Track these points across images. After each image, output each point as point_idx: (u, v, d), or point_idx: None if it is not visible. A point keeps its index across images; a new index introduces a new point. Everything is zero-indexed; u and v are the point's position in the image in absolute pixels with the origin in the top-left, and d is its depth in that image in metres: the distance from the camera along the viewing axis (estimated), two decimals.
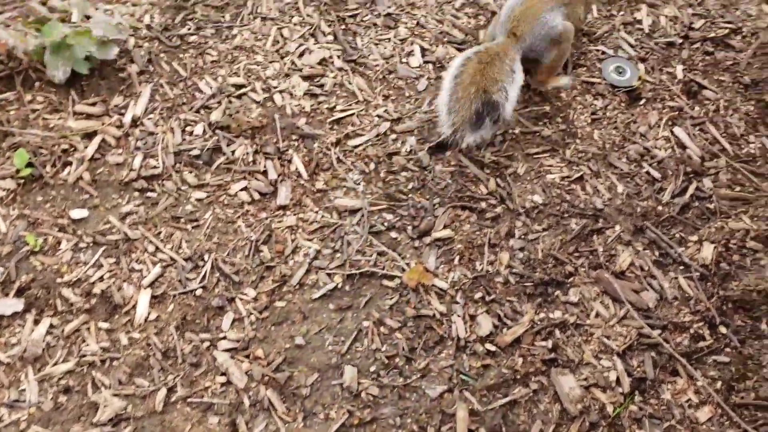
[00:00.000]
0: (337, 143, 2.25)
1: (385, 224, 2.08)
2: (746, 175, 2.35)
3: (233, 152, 2.19)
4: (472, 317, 1.94)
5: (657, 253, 2.13)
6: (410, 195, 2.17)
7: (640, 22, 2.78)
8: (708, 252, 2.13)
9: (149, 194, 2.11)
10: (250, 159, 2.19)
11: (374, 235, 2.05)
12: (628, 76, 2.57)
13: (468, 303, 1.97)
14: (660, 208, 2.24)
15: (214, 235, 2.04)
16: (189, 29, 2.49)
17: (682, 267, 2.10)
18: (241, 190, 2.12)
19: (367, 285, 1.98)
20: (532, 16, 2.29)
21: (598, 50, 2.65)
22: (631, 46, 2.69)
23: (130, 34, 2.45)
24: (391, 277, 1.99)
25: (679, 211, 2.24)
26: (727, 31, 2.80)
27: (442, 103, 2.16)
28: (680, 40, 2.75)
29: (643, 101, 2.52)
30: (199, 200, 2.10)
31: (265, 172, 2.16)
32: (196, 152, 2.19)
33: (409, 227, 2.09)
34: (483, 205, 2.18)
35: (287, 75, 2.40)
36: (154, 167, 2.15)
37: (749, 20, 2.86)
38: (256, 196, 2.11)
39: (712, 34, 2.78)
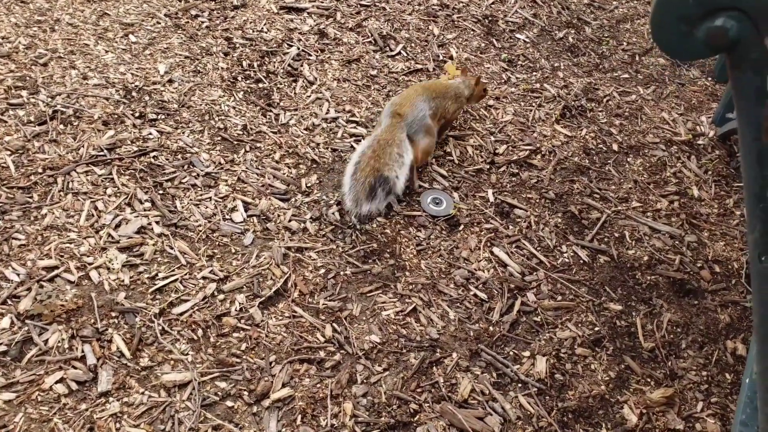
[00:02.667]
0: (161, 314, 2.15)
1: (219, 394, 1.98)
2: (564, 284, 2.51)
3: (46, 342, 2.03)
4: None
5: (495, 375, 2.17)
6: (244, 357, 2.09)
7: (450, 154, 2.99)
8: (542, 366, 2.21)
9: None
10: (66, 346, 2.03)
11: (207, 408, 1.94)
12: (445, 205, 2.72)
13: None
14: (491, 328, 2.31)
15: None
16: None
17: (520, 385, 2.15)
18: (57, 382, 1.94)
19: None
20: (409, 101, 2.77)
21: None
22: (444, 177, 2.87)
23: None
24: None
25: (509, 328, 2.32)
26: (527, 152, 3.08)
27: (345, 186, 2.57)
28: (488, 166, 2.97)
29: (461, 227, 2.66)
30: (7, 402, 1.89)
31: (83, 358, 2.01)
32: (2, 348, 2.00)
33: (246, 393, 2.00)
34: (321, 354, 2.14)
35: (104, 249, 2.31)
36: None
37: (546, 140, 3.16)
38: (74, 387, 1.94)
39: (515, 157, 3.04)
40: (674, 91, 3.60)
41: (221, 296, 2.24)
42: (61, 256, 2.27)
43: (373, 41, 3.56)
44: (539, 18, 3.95)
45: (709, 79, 3.73)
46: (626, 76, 3.67)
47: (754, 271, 0.94)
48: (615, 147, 3.17)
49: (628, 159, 3.12)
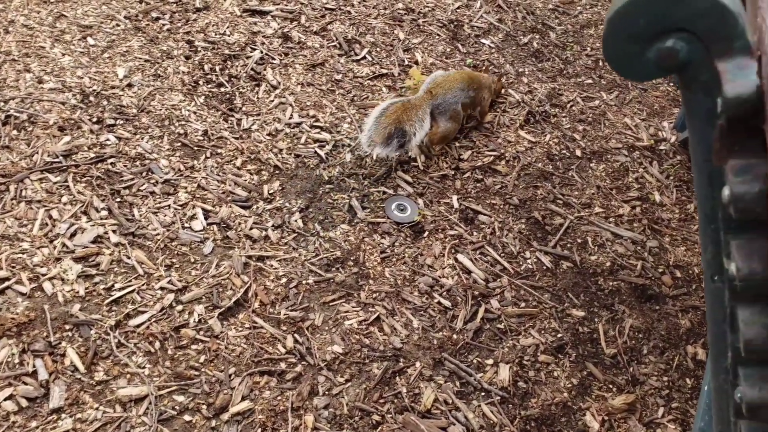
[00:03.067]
0: (117, 325, 2.10)
1: (177, 408, 1.93)
2: (528, 290, 2.51)
3: None
4: None
5: (458, 384, 2.16)
6: (203, 369, 2.05)
7: (414, 159, 2.97)
8: (505, 373, 2.20)
9: None
10: (17, 361, 1.97)
11: (164, 423, 1.89)
12: (409, 212, 2.71)
13: None
14: (455, 336, 2.30)
15: None
16: None
17: (483, 393, 2.15)
18: (6, 399, 1.88)
19: None
20: (447, 86, 2.98)
21: (379, 191, 2.78)
22: (409, 183, 2.85)
23: None
24: None
25: (473, 336, 2.31)
26: (492, 158, 3.08)
27: (366, 125, 2.76)
28: (452, 172, 2.96)
29: (426, 234, 2.65)
30: None
31: (34, 373, 1.94)
32: None
33: (204, 406, 1.96)
34: (282, 365, 2.11)
35: (58, 259, 2.24)
36: None
37: (510, 146, 3.16)
38: (24, 404, 1.88)
39: (480, 163, 3.03)
40: (637, 96, 3.63)
41: (179, 307, 2.19)
42: (13, 267, 2.20)
43: (338, 45, 3.53)
44: (504, 23, 3.96)
45: (671, 84, 3.78)
46: (590, 81, 3.69)
47: (707, 291, 0.94)
48: (578, 153, 3.19)
49: (591, 164, 3.14)
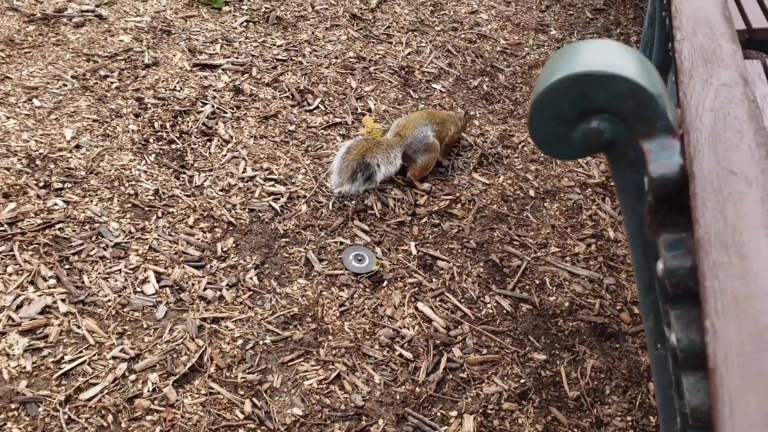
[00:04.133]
0: (67, 400, 2.02)
1: None
2: (489, 335, 2.50)
3: None
4: None
5: None
6: None
7: (371, 207, 2.97)
8: (469, 425, 2.18)
9: None
10: None
11: None
12: (367, 262, 2.69)
13: None
14: (418, 389, 2.27)
15: None
16: None
17: None
18: None
19: None
20: (412, 125, 3.13)
21: (336, 242, 2.76)
22: (366, 232, 2.84)
23: None
24: None
25: (436, 387, 2.29)
26: (447, 202, 3.09)
27: (334, 164, 2.90)
28: (409, 218, 2.96)
29: (385, 283, 2.63)
30: None
31: None
32: None
33: None
34: None
35: (3, 333, 2.16)
36: None
37: (464, 189, 3.19)
38: None
39: (436, 208, 3.04)
40: None
41: (133, 377, 2.13)
42: None
43: (290, 96, 3.54)
44: (454, 67, 4.03)
45: None
46: None
47: (652, 357, 0.94)
48: (532, 193, 3.23)
49: (545, 204, 3.18)
